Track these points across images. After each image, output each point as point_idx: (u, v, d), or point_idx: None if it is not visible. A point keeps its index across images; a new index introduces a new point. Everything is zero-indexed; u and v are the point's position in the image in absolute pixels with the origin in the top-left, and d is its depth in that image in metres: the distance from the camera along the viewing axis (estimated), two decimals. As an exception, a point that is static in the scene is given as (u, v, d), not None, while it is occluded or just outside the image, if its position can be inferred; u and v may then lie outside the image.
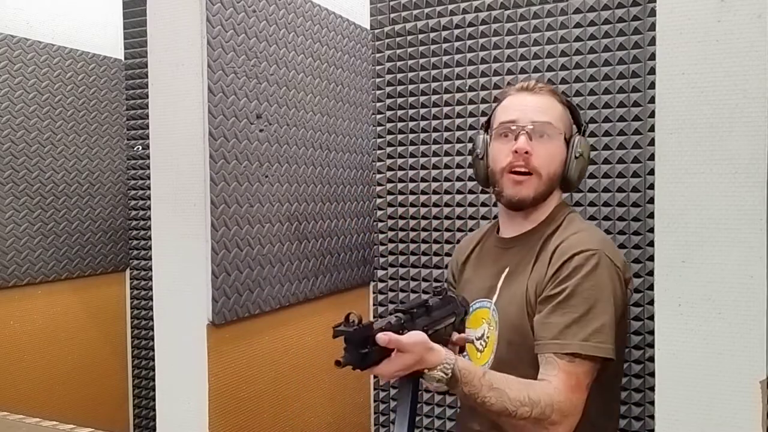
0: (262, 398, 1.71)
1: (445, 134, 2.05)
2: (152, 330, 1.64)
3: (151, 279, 1.77)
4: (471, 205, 2.02)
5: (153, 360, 1.87)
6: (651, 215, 1.72)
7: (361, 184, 2.10)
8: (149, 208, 1.61)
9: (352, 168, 2.05)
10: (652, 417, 1.43)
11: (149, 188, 1.60)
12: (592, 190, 1.83)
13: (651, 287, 1.61)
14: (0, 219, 2.23)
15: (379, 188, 2.16)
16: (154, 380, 1.79)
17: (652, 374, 1.67)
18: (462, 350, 1.42)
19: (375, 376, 2.20)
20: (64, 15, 2.44)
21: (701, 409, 0.98)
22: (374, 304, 2.18)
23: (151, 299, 1.70)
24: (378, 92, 2.14)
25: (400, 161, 2.13)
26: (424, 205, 2.09)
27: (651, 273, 1.61)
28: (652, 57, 1.70)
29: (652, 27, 1.68)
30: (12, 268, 2.27)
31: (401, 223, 2.13)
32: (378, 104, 2.15)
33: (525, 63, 1.92)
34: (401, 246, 2.14)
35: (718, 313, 0.97)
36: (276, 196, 1.73)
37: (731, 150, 0.96)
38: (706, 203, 0.97)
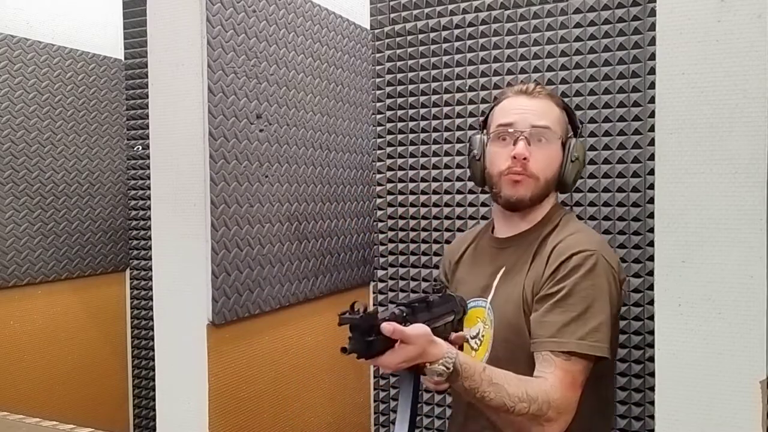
0: (262, 398, 1.71)
1: (445, 134, 2.05)
2: (152, 330, 1.64)
3: (151, 279, 1.77)
4: (471, 205, 2.02)
5: (153, 360, 1.87)
6: (651, 215, 1.72)
7: (361, 184, 2.10)
8: (149, 208, 1.61)
9: (352, 168, 2.05)
10: (652, 417, 1.44)
11: (149, 188, 1.60)
12: (592, 190, 1.83)
13: (651, 287, 1.61)
14: (0, 219, 2.24)
15: (379, 188, 2.16)
16: (154, 380, 1.79)
17: (652, 374, 1.67)
18: (460, 349, 1.42)
19: (375, 377, 2.20)
20: (64, 15, 2.44)
21: (701, 409, 0.98)
22: (374, 304, 2.18)
23: (151, 299, 1.70)
24: (378, 92, 2.14)
25: (400, 161, 2.13)
26: (424, 205, 2.09)
27: (651, 273, 1.61)
28: (652, 57, 1.70)
29: (652, 27, 1.68)
30: (12, 268, 2.27)
31: (401, 223, 2.13)
32: (378, 104, 2.15)
33: (525, 63, 1.92)
34: (401, 246, 2.14)
35: (718, 313, 0.97)
36: (276, 196, 1.73)
37: (731, 150, 0.96)
38: (706, 203, 0.98)
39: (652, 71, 1.70)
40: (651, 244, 1.69)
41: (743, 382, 0.95)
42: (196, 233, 1.53)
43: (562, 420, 1.26)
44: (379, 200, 2.16)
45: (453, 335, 1.37)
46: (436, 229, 2.08)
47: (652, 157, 1.70)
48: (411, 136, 2.10)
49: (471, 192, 2.02)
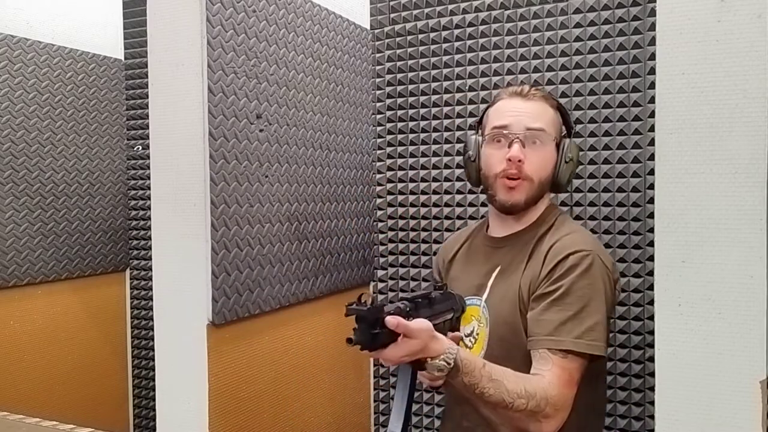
0: (262, 398, 1.71)
1: (445, 134, 2.05)
2: (152, 330, 1.64)
3: (151, 279, 1.77)
4: (471, 205, 2.02)
5: (153, 360, 1.87)
6: (651, 215, 1.72)
7: (361, 184, 2.10)
8: (149, 208, 1.61)
9: (352, 168, 2.05)
10: (652, 417, 1.44)
11: (149, 188, 1.60)
12: (592, 190, 1.83)
13: (651, 287, 1.61)
14: (0, 219, 2.24)
15: (379, 188, 2.16)
16: (154, 380, 1.79)
17: (652, 374, 1.67)
18: None
19: (375, 377, 2.20)
20: (64, 15, 2.44)
21: (701, 409, 0.98)
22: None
23: (151, 299, 1.70)
24: (378, 92, 2.14)
25: (400, 161, 2.13)
26: (424, 205, 2.09)
27: (651, 273, 1.61)
28: (652, 57, 1.70)
29: (652, 27, 1.69)
30: (12, 268, 2.27)
31: (401, 223, 2.13)
32: (378, 104, 2.15)
33: (525, 63, 1.92)
34: (401, 246, 2.14)
35: (718, 313, 0.97)
36: (276, 196, 1.73)
37: (731, 150, 0.96)
38: (706, 203, 0.98)
39: (652, 71, 1.70)
40: (651, 244, 1.69)
41: (743, 382, 0.95)
42: (196, 233, 1.53)
43: (559, 417, 1.27)
44: (379, 200, 2.16)
45: (449, 335, 1.37)
46: (436, 229, 2.08)
47: (652, 157, 1.70)
48: (411, 136, 2.10)
49: (471, 192, 2.02)
